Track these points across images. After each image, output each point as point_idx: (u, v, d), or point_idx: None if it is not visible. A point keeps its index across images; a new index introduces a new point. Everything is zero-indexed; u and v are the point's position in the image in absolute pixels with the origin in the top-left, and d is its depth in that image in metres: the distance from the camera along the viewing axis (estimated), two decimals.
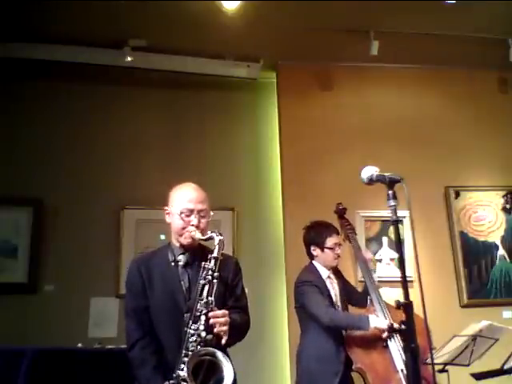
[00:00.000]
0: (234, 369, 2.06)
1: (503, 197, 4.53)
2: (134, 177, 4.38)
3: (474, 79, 4.76)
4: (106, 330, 3.94)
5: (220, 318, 1.95)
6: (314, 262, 3.14)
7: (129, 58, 4.26)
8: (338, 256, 3.11)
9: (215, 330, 1.93)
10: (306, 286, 3.02)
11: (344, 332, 2.96)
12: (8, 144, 4.30)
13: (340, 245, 3.14)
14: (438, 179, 4.49)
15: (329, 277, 3.10)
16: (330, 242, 3.08)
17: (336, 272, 3.19)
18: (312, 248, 3.13)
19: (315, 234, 3.13)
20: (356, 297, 3.22)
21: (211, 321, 1.94)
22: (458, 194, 4.48)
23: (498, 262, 4.34)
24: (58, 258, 4.13)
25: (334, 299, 3.04)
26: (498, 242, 4.40)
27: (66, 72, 4.42)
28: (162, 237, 3.66)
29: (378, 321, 2.83)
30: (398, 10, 3.94)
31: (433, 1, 3.82)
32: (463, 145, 4.63)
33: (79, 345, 3.30)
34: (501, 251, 4.38)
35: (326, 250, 3.08)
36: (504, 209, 4.50)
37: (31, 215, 4.18)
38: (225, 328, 1.95)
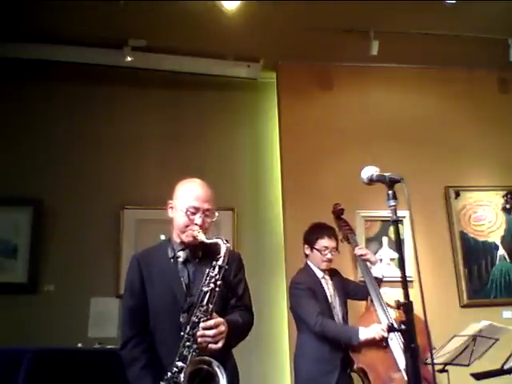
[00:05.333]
0: (235, 368, 2.11)
1: (503, 197, 4.53)
2: (133, 177, 4.38)
3: (474, 79, 4.76)
4: (106, 330, 3.93)
5: (208, 331, 1.92)
6: (308, 262, 3.17)
7: (129, 58, 4.26)
8: (329, 260, 3.08)
9: (199, 340, 1.91)
10: (297, 290, 3.03)
11: None
12: (8, 144, 4.30)
13: (333, 249, 3.09)
14: (438, 179, 4.48)
15: (323, 277, 3.10)
16: (320, 243, 3.08)
17: (332, 271, 3.18)
18: (305, 246, 3.17)
19: (309, 233, 3.18)
20: (356, 289, 3.23)
21: (199, 333, 1.92)
22: (458, 194, 4.48)
23: (497, 261, 4.34)
24: (58, 258, 4.12)
25: (329, 300, 3.04)
26: (498, 242, 4.40)
27: (66, 72, 4.42)
28: (162, 237, 3.66)
29: (369, 332, 2.81)
30: (398, 10, 3.94)
31: (433, 1, 3.82)
32: (463, 145, 4.62)
33: (79, 345, 3.30)
34: (501, 251, 4.38)
35: (314, 250, 3.09)
36: (504, 209, 4.50)
37: (31, 215, 4.17)
38: (210, 340, 1.92)
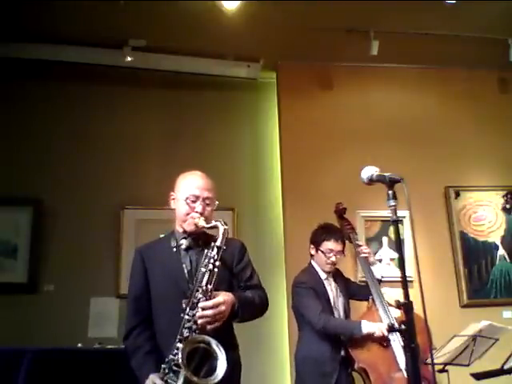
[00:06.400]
0: (239, 359, 2.13)
1: (503, 197, 4.53)
2: (134, 177, 4.38)
3: (474, 79, 4.76)
4: (106, 330, 3.93)
5: (207, 311, 1.94)
6: (312, 262, 3.15)
7: (129, 58, 4.27)
8: (333, 263, 3.06)
9: (199, 321, 1.94)
10: (301, 289, 3.02)
11: None
12: (8, 144, 4.30)
13: (339, 253, 3.07)
14: (438, 179, 4.48)
15: (327, 279, 3.10)
16: (325, 245, 3.06)
17: (335, 272, 3.17)
18: (311, 246, 3.15)
19: (316, 234, 3.16)
20: (357, 290, 3.23)
21: (198, 314, 1.94)
22: (458, 194, 4.48)
23: (498, 261, 4.34)
24: (58, 258, 4.12)
25: (331, 301, 3.03)
26: (498, 242, 4.40)
27: (66, 72, 4.42)
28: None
29: (371, 326, 2.81)
30: (398, 10, 3.94)
31: (433, 1, 3.82)
32: (463, 145, 4.63)
33: (79, 345, 3.30)
34: (501, 251, 4.38)
35: (319, 251, 3.08)
36: (504, 209, 4.50)
37: (31, 215, 4.17)
38: (210, 320, 1.94)
